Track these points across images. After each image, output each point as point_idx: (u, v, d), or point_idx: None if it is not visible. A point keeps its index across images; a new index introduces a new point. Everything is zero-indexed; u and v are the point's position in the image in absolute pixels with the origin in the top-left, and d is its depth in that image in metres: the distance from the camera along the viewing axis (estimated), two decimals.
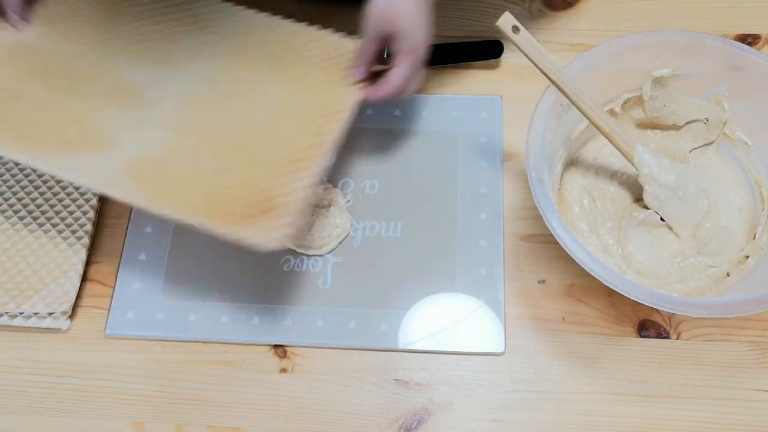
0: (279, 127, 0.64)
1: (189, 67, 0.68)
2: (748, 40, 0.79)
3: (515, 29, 0.59)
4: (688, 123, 0.70)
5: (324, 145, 0.62)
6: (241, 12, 0.71)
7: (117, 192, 0.59)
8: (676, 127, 0.71)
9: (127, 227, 0.71)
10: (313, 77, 0.67)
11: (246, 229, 0.56)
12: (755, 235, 0.66)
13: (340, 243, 0.68)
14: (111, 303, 0.67)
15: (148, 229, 0.70)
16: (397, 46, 0.63)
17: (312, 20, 0.82)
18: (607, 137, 0.63)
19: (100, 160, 0.61)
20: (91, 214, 0.70)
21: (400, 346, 0.65)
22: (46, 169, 0.60)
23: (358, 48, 0.65)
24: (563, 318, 0.66)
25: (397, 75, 0.63)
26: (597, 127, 0.63)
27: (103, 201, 0.72)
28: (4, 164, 0.72)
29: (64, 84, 0.65)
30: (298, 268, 0.67)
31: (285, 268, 0.67)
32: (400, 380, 0.64)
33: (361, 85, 0.66)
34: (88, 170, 0.59)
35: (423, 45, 0.63)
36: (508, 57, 0.78)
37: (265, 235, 0.56)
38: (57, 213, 0.70)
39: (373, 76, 0.66)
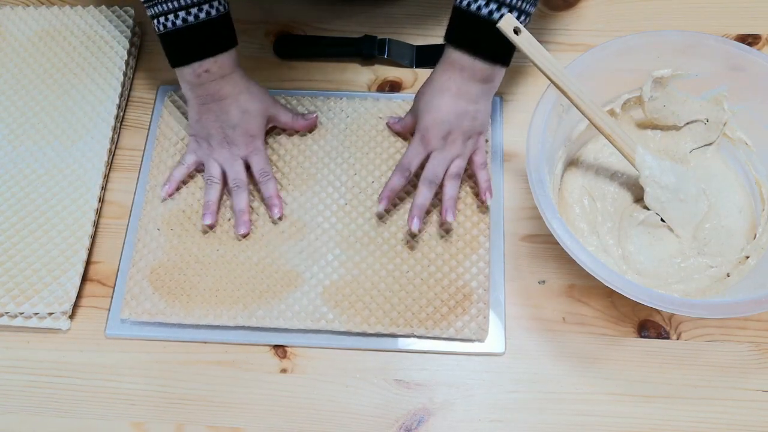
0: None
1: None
2: (748, 40, 0.79)
3: (516, 30, 0.59)
4: (688, 123, 0.70)
5: (484, 220, 0.69)
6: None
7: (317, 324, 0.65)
8: (676, 128, 0.71)
9: (127, 227, 0.71)
10: None
11: (450, 327, 0.64)
12: (755, 235, 0.66)
13: None
14: (111, 303, 0.67)
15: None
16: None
17: (319, 20, 0.82)
18: (608, 138, 0.63)
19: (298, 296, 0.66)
20: (91, 214, 0.70)
21: (400, 346, 0.65)
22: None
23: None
24: (563, 318, 0.66)
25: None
26: (598, 129, 0.63)
27: (103, 201, 0.72)
28: (3, 164, 0.72)
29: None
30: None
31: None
32: (400, 380, 0.64)
33: None
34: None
35: (428, 126, 0.66)
36: None
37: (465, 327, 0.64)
38: (57, 213, 0.69)
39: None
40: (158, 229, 0.69)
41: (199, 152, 0.70)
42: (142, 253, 0.68)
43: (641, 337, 0.65)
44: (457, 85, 0.64)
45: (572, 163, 0.70)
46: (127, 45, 0.78)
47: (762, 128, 0.67)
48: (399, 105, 0.75)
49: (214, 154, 0.69)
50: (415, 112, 0.69)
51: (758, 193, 0.68)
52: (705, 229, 0.67)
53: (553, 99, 0.61)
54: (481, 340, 0.64)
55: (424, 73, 0.78)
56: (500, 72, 0.64)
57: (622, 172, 0.69)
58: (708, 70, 0.66)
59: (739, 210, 0.68)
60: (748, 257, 0.65)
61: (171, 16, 0.63)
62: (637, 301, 0.55)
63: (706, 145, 0.70)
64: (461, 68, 0.64)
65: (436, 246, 0.68)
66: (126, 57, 0.77)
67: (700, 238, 0.66)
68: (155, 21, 0.64)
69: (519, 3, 0.60)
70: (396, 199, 0.70)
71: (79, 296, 0.67)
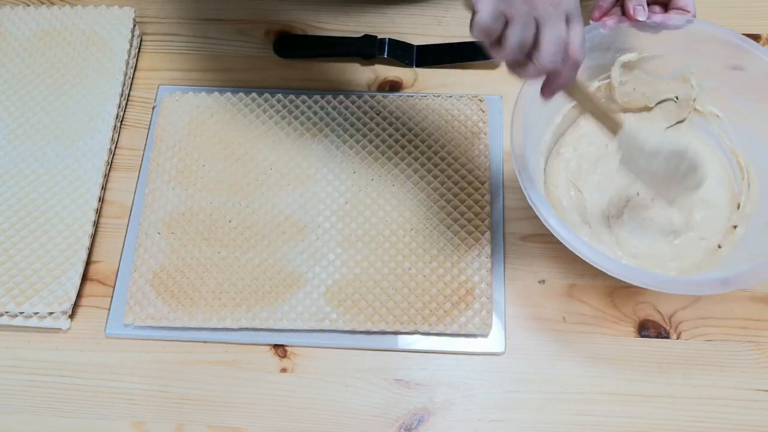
0: (431, 216, 0.69)
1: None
2: None
3: None
4: (659, 103, 0.71)
5: (485, 219, 0.69)
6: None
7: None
8: (648, 109, 0.72)
9: (127, 227, 0.71)
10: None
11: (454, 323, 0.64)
12: (739, 205, 0.67)
13: None
14: (111, 303, 0.67)
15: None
16: None
17: (319, 20, 0.82)
18: (587, 110, 0.61)
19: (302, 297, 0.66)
20: (91, 214, 0.70)
21: (400, 346, 0.65)
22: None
23: None
24: (563, 318, 0.66)
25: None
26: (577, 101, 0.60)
27: (103, 201, 0.73)
28: (3, 164, 0.72)
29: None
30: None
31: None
32: (400, 380, 0.64)
33: None
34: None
35: None
36: None
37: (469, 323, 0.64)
38: (57, 213, 0.69)
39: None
40: (159, 233, 0.69)
41: None
42: (143, 258, 0.68)
43: (641, 336, 0.65)
44: None
45: (552, 156, 0.71)
46: (127, 45, 0.78)
47: (731, 99, 0.68)
48: (399, 105, 0.75)
49: None
50: None
51: (735, 162, 0.69)
52: (687, 197, 0.66)
53: (529, 95, 0.62)
54: (485, 335, 0.64)
55: (424, 73, 0.79)
56: None
57: (603, 160, 0.70)
58: (669, 50, 0.67)
59: (719, 182, 0.69)
60: (735, 227, 0.65)
61: None
62: (641, 286, 0.56)
63: (678, 122, 0.71)
64: None
65: (438, 241, 0.68)
66: (126, 57, 0.77)
67: (684, 206, 0.67)
68: None
69: None
70: (392, 198, 0.70)
71: (79, 296, 0.67)
